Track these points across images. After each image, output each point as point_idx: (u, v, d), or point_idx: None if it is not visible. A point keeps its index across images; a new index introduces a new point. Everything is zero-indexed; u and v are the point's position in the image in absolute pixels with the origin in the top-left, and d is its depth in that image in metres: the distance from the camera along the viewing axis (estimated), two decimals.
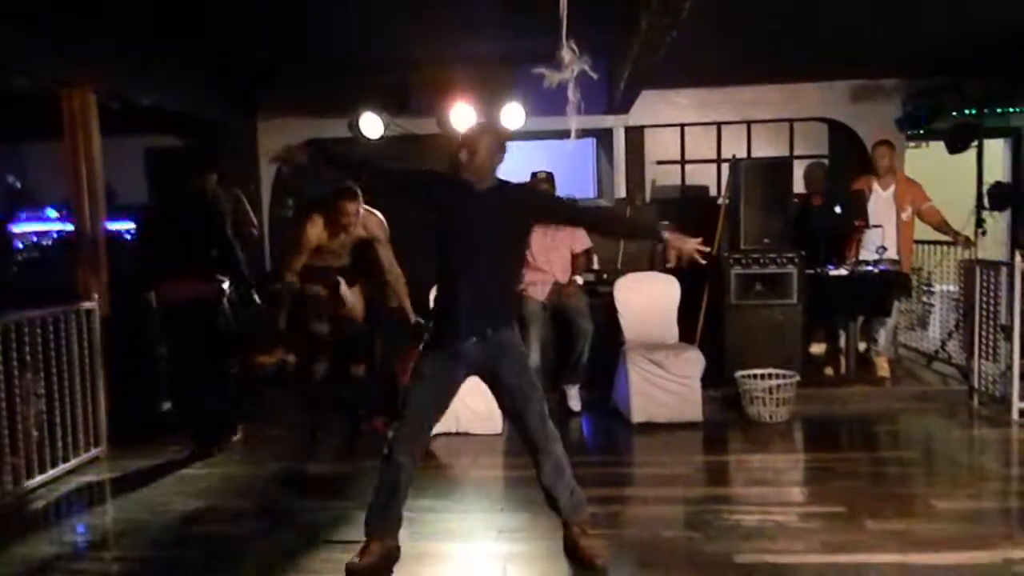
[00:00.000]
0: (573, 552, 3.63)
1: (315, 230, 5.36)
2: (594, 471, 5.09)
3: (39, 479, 4.79)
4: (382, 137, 7.22)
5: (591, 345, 6.20)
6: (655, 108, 7.99)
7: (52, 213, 9.57)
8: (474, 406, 5.66)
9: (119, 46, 6.03)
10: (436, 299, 3.72)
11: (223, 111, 7.81)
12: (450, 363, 3.56)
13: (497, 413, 5.68)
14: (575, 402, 6.31)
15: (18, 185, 9.46)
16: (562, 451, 3.65)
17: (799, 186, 7.50)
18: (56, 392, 4.98)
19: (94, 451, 5.30)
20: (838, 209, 6.72)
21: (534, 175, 6.38)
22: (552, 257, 6.37)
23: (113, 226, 8.20)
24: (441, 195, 3.59)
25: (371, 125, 7.16)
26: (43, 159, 9.55)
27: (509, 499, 4.57)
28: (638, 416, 5.82)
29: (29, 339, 4.74)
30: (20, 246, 10.04)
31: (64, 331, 5.04)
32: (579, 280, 6.47)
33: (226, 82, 7.64)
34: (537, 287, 6.30)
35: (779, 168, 6.84)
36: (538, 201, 4.16)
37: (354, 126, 7.10)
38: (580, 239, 6.45)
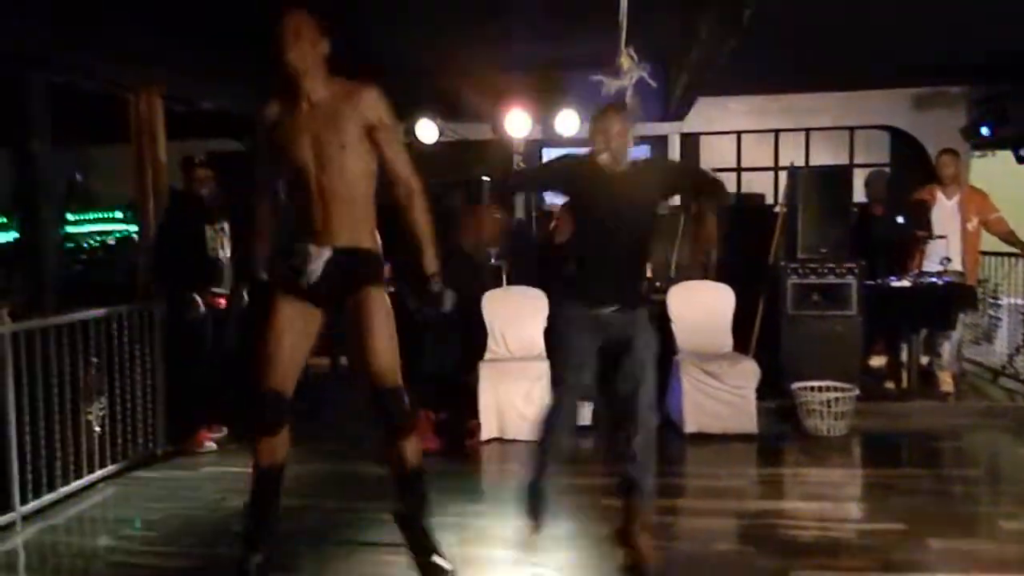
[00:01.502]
0: (626, 540, 3.63)
1: None
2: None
3: (99, 473, 4.90)
4: (437, 142, 7.27)
5: None
6: (711, 115, 7.93)
7: (118, 214, 9.84)
8: (525, 412, 5.65)
9: (184, 51, 6.16)
10: (574, 272, 3.79)
11: None
12: (589, 331, 3.61)
13: None
14: None
15: (79, 177, 9.71)
16: (655, 437, 3.70)
17: (860, 195, 7.36)
18: (118, 390, 5.09)
19: (153, 447, 5.40)
20: (900, 219, 6.57)
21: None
22: None
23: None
24: (578, 182, 3.72)
25: (427, 130, 7.21)
26: (109, 161, 9.82)
27: (558, 507, 4.53)
28: (691, 427, 5.75)
29: (94, 337, 4.85)
30: (86, 245, 10.33)
31: (127, 330, 5.15)
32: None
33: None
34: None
35: (838, 176, 6.72)
36: (669, 173, 4.08)
37: (410, 131, 7.16)
38: None
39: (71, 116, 5.94)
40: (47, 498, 4.46)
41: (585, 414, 5.87)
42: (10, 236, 9.49)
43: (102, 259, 10.11)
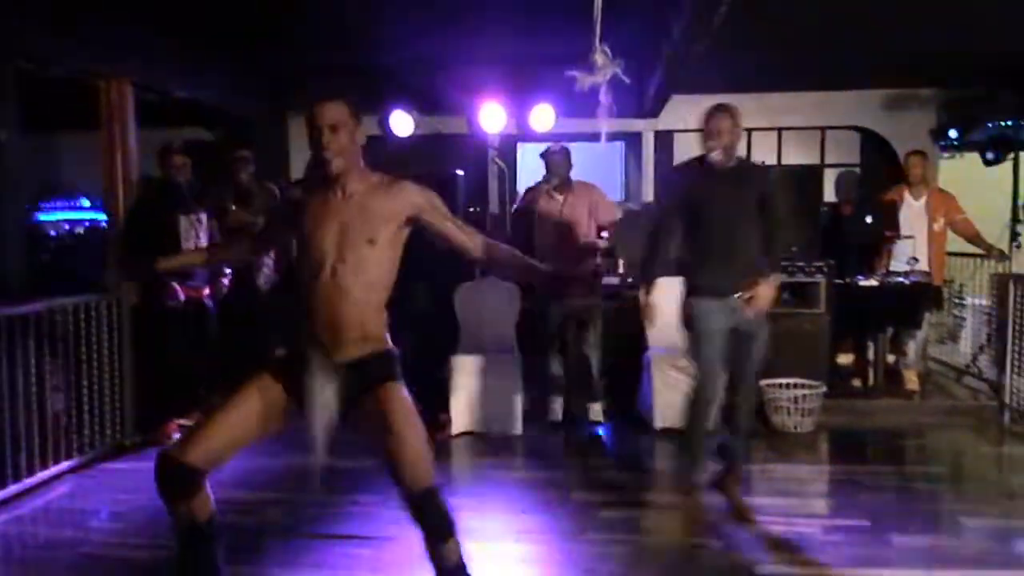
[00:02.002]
0: (722, 491, 4.21)
1: None
2: (614, 476, 5.09)
3: (65, 465, 4.85)
4: (412, 135, 7.25)
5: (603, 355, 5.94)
6: (685, 113, 7.94)
7: (85, 202, 9.70)
8: (497, 407, 5.67)
9: (157, 39, 6.10)
10: (697, 264, 4.15)
11: (254, 106, 7.88)
12: (722, 319, 4.05)
13: (517, 414, 5.70)
14: (598, 416, 5.97)
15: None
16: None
17: (829, 195, 7.44)
18: (85, 380, 5.04)
19: (121, 439, 5.35)
20: (869, 219, 6.64)
21: (548, 148, 5.89)
22: (568, 241, 5.79)
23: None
24: (695, 189, 4.06)
25: (401, 123, 7.19)
26: (77, 149, 9.68)
27: (529, 501, 4.56)
28: (661, 422, 5.78)
29: (61, 327, 4.80)
30: (53, 234, 10.18)
31: (94, 320, 5.10)
32: (597, 259, 5.95)
33: (258, 77, 7.70)
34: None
35: (809, 176, 6.81)
36: (765, 187, 4.26)
37: (384, 124, 7.14)
38: (604, 208, 5.89)
39: (40, 103, 5.87)
40: (12, 489, 4.41)
41: (556, 410, 5.91)
42: None
43: (69, 247, 9.97)
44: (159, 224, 5.41)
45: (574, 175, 5.93)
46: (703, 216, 4.07)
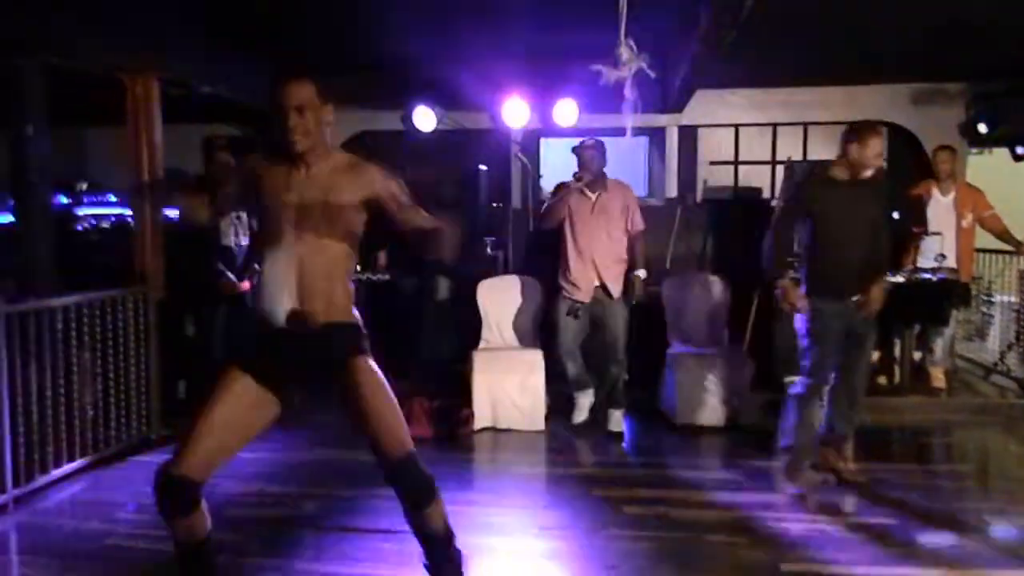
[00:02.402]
0: (829, 469, 4.65)
1: None
2: (636, 473, 5.08)
3: (92, 457, 4.90)
4: (435, 131, 7.25)
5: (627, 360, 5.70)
6: (709, 108, 7.90)
7: (112, 197, 9.78)
8: (519, 402, 5.67)
9: (182, 35, 6.13)
10: (817, 268, 4.46)
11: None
12: (840, 320, 4.39)
13: (539, 409, 5.69)
14: (617, 424, 5.70)
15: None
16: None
17: None
18: (112, 373, 5.09)
19: (147, 432, 5.40)
20: (896, 215, 6.56)
21: (581, 142, 5.61)
22: (600, 241, 5.56)
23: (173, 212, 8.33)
24: (818, 199, 4.43)
25: (425, 119, 7.19)
26: (104, 144, 9.77)
27: (551, 496, 4.57)
28: (683, 419, 5.77)
29: (88, 320, 4.85)
30: (80, 228, 10.29)
31: (121, 314, 5.15)
32: (643, 274, 5.66)
33: (281, 72, 7.72)
34: (576, 285, 5.58)
35: None
36: (881, 196, 4.62)
37: (407, 119, 7.13)
38: (637, 215, 5.66)
39: (67, 98, 5.91)
40: (40, 481, 4.46)
41: (583, 407, 5.84)
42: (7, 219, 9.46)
43: (96, 242, 10.06)
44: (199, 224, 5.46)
45: None
46: (828, 224, 4.40)
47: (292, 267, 2.78)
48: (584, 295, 5.56)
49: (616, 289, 5.56)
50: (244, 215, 5.65)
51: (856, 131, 4.38)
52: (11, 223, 7.85)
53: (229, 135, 6.43)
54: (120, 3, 5.39)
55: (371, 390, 2.82)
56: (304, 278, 2.78)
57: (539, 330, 6.08)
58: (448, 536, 2.90)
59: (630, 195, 5.72)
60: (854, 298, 4.41)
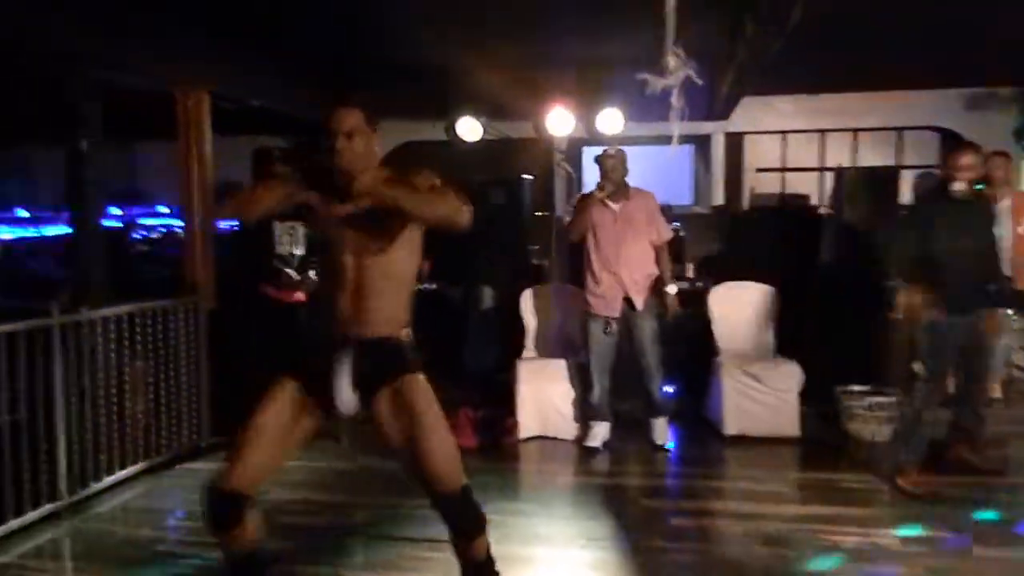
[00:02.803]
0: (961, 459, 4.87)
1: None
2: (684, 483, 5.04)
3: (144, 464, 4.98)
4: (480, 140, 7.27)
5: (664, 372, 5.54)
6: (756, 114, 7.84)
7: (163, 210, 10.00)
8: (564, 411, 5.65)
9: (232, 49, 6.24)
10: (943, 282, 4.51)
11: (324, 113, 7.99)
12: (959, 331, 4.56)
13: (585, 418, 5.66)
14: (661, 435, 5.52)
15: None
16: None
17: (907, 197, 7.25)
18: (163, 382, 5.17)
19: (197, 439, 5.47)
20: None
21: (603, 151, 5.42)
22: (625, 253, 5.36)
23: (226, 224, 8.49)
24: (931, 220, 4.57)
25: (469, 129, 7.22)
26: (154, 158, 9.98)
27: (597, 506, 4.53)
28: (731, 429, 5.69)
29: (140, 330, 4.94)
30: (132, 239, 10.51)
31: (172, 323, 5.23)
32: (673, 290, 5.51)
33: (326, 85, 7.82)
34: (603, 298, 5.40)
35: (885, 178, 6.61)
36: (992, 213, 5.07)
37: (451, 130, 7.17)
38: (663, 225, 5.51)
39: (120, 113, 6.05)
40: (93, 487, 4.54)
41: (596, 435, 5.56)
42: (65, 230, 9.70)
43: (146, 253, 10.29)
44: (253, 233, 5.41)
45: (642, 179, 5.58)
46: (951, 241, 4.51)
47: (346, 283, 2.80)
48: (612, 310, 5.37)
49: (640, 302, 5.36)
50: (298, 226, 5.68)
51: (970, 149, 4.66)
52: (66, 235, 8.05)
53: (279, 147, 6.52)
54: (172, 20, 5.50)
55: (422, 410, 2.77)
56: (358, 293, 2.79)
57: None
58: (490, 561, 2.88)
59: (654, 203, 5.51)
60: (973, 311, 4.58)
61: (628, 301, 5.36)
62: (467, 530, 2.80)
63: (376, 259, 2.80)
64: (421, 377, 2.84)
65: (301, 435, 2.88)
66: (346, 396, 2.80)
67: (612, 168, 5.31)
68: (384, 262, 2.81)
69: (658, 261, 5.47)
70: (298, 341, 3.00)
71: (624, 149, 5.45)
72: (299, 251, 5.63)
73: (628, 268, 5.33)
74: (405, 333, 2.90)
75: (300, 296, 5.66)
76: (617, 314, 5.37)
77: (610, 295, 5.36)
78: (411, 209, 2.72)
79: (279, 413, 2.81)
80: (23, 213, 12.68)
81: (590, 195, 5.40)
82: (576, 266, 5.88)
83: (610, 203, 5.36)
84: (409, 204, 2.71)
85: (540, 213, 7.48)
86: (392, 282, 2.85)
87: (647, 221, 5.41)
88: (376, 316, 2.81)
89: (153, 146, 9.53)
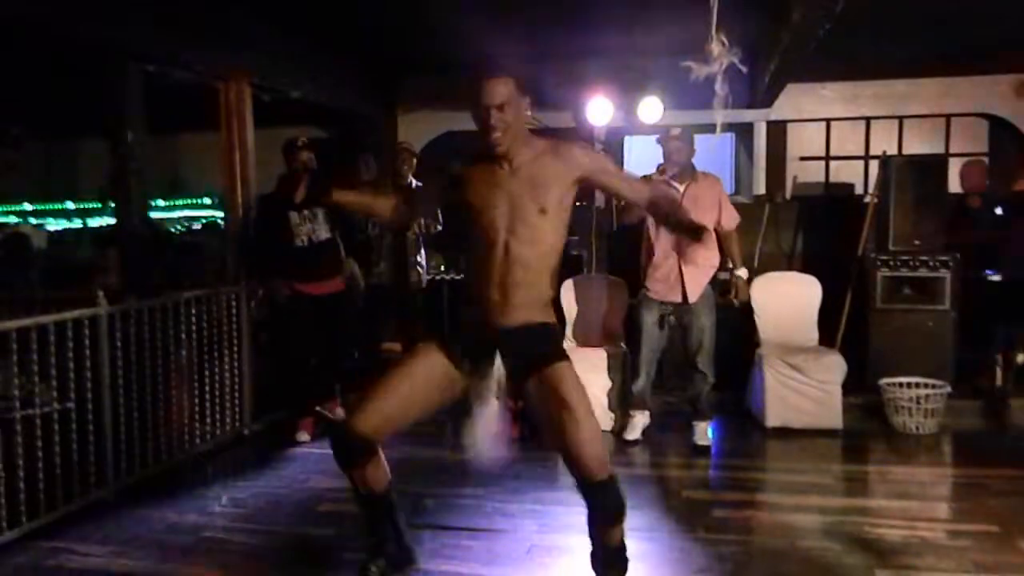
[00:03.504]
0: None
1: None
2: (725, 475, 4.99)
3: (188, 452, 5.07)
4: None
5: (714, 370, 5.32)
6: (799, 102, 7.72)
7: (207, 200, 10.12)
8: (604, 402, 5.63)
9: (272, 40, 6.28)
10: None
11: (365, 103, 8.03)
12: None
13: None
14: (703, 438, 5.32)
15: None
16: None
17: (955, 185, 7.10)
18: (206, 370, 5.24)
19: (240, 427, 5.55)
20: (999, 210, 6.31)
21: (667, 131, 5.19)
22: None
23: None
24: None
25: None
26: (196, 149, 10.10)
27: (638, 497, 4.49)
28: (773, 421, 5.64)
29: (184, 319, 5.00)
30: (174, 231, 10.66)
31: (216, 312, 5.30)
32: (744, 274, 5.33)
33: (367, 75, 7.85)
34: (664, 283, 5.19)
35: (933, 166, 6.48)
36: None
37: None
38: (730, 210, 5.25)
39: (164, 104, 6.13)
40: (139, 474, 4.62)
41: (636, 426, 5.49)
42: (110, 221, 9.87)
43: (188, 243, 10.42)
44: (268, 222, 5.51)
45: None
46: None
47: (502, 264, 2.83)
48: (672, 295, 5.16)
49: (696, 293, 5.14)
50: (319, 210, 5.44)
51: None
52: (111, 226, 8.19)
53: (310, 136, 6.54)
54: (212, 11, 5.55)
55: (574, 401, 2.76)
56: (512, 275, 2.82)
57: (624, 329, 6.01)
58: (623, 548, 2.95)
59: (721, 188, 5.30)
60: None
61: (684, 291, 5.14)
62: (608, 517, 2.85)
63: (527, 236, 2.82)
64: (568, 365, 2.85)
65: (436, 403, 2.97)
66: (487, 405, 2.95)
67: (676, 150, 5.08)
68: (535, 239, 2.83)
69: (725, 248, 5.25)
70: (449, 321, 3.07)
71: (689, 128, 5.23)
72: (324, 235, 5.51)
73: (691, 253, 4.96)
74: (551, 317, 2.95)
75: (334, 286, 5.62)
76: (678, 299, 5.15)
77: (671, 280, 5.14)
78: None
79: (421, 375, 2.89)
80: (69, 204, 12.92)
81: (652, 176, 5.20)
82: (617, 255, 5.82)
83: (675, 183, 5.10)
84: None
85: (579, 203, 7.43)
86: (542, 260, 2.86)
87: (713, 205, 5.14)
88: (524, 299, 2.85)
89: (195, 138, 9.63)
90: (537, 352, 2.84)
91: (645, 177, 5.37)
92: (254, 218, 5.81)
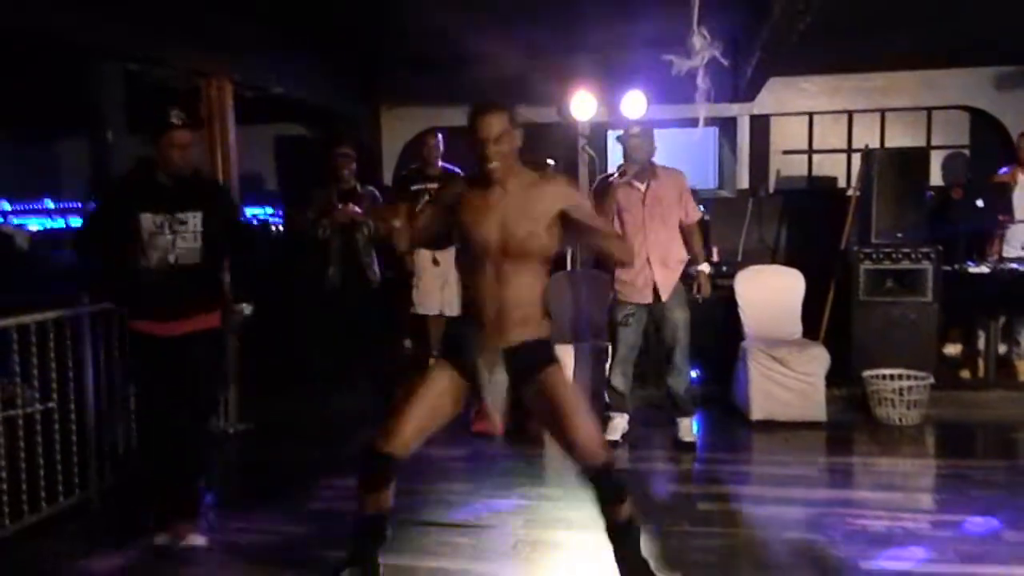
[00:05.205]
0: None
1: None
2: (710, 468, 5.00)
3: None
4: None
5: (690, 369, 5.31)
6: (782, 95, 7.73)
7: None
8: (586, 397, 5.63)
9: (254, 37, 6.24)
10: None
11: (347, 101, 7.99)
12: None
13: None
14: (687, 433, 5.27)
15: None
16: None
17: (937, 178, 7.15)
18: None
19: (224, 426, 5.52)
20: (980, 203, 6.37)
21: (626, 130, 5.09)
22: (653, 235, 5.03)
23: (250, 212, 8.54)
24: None
25: None
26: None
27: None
28: (757, 413, 5.66)
29: None
30: None
31: None
32: (706, 268, 5.29)
33: (349, 72, 7.81)
34: (633, 285, 5.10)
35: (915, 159, 6.52)
36: None
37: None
38: (692, 204, 5.19)
39: (142, 104, 6.08)
40: (122, 475, 4.60)
41: (616, 428, 5.37)
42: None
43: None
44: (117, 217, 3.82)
45: (666, 163, 5.23)
46: None
47: (495, 284, 3.02)
48: (642, 296, 5.08)
49: (668, 290, 5.06)
50: (196, 217, 3.82)
51: None
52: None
53: (291, 135, 6.46)
54: (195, 9, 5.51)
55: (569, 403, 3.04)
56: (506, 295, 3.01)
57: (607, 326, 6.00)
58: (632, 521, 3.13)
59: (683, 182, 5.18)
60: None
61: (655, 290, 5.08)
62: (611, 498, 3.08)
63: (523, 259, 3.01)
64: (558, 367, 3.12)
65: (449, 416, 3.17)
66: (494, 414, 3.16)
67: (635, 147, 4.97)
68: (526, 251, 3.00)
69: (688, 242, 5.19)
70: (452, 337, 3.31)
71: (648, 126, 5.16)
72: (194, 258, 4.01)
73: (657, 251, 5.02)
74: (544, 330, 3.12)
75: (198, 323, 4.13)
76: (648, 301, 5.08)
77: (640, 281, 5.07)
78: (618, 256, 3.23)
79: (440, 392, 3.10)
80: (49, 204, 12.81)
81: (611, 178, 5.10)
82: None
83: (636, 183, 5.02)
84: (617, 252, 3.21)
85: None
86: (534, 279, 3.06)
87: (676, 201, 5.09)
88: (520, 318, 3.04)
89: None
90: (534, 363, 3.07)
91: (601, 181, 5.29)
92: (89, 212, 4.33)
